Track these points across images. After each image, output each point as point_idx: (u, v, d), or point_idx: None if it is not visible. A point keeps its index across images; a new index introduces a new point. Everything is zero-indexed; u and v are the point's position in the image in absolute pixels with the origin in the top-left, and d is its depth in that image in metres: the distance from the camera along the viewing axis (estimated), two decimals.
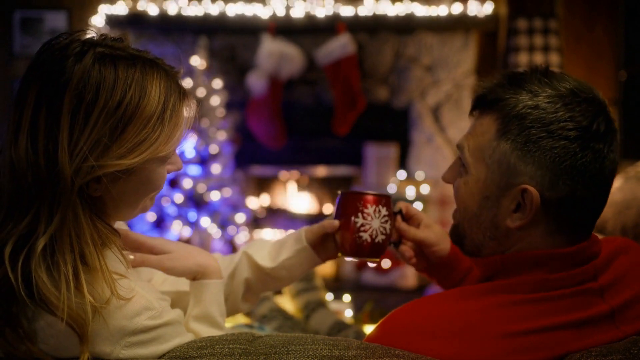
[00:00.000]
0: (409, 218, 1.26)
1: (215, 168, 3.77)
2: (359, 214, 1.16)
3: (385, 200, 1.18)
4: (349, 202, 1.18)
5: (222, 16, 4.00)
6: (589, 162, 0.92)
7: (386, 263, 3.89)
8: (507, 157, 0.95)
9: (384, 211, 1.17)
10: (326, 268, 3.98)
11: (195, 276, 1.09)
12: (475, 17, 3.95)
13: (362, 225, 1.16)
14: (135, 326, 0.88)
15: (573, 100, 0.94)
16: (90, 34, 0.93)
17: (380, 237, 1.17)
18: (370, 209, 1.16)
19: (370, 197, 1.17)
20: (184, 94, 0.97)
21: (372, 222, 1.16)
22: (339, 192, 1.22)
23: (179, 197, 3.73)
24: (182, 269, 1.08)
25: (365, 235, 1.16)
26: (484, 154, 0.98)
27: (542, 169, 0.93)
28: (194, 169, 3.74)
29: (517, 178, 0.95)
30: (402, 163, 4.22)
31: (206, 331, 1.06)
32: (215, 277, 1.10)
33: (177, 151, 1.00)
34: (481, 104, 1.01)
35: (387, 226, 1.18)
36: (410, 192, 3.97)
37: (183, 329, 0.97)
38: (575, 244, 0.96)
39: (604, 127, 0.93)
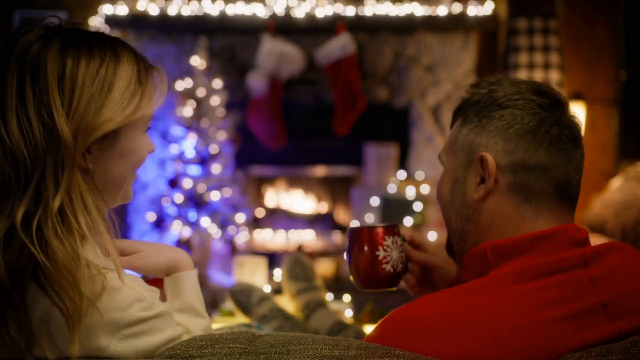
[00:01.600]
0: (417, 246, 1.31)
1: (215, 168, 3.77)
2: (380, 247, 1.19)
3: (397, 229, 1.22)
4: (367, 237, 1.20)
5: (222, 16, 4.00)
6: (537, 126, 0.99)
7: None
8: (467, 137, 1.05)
9: (399, 241, 1.22)
10: (326, 268, 3.98)
11: (168, 271, 1.11)
12: (475, 17, 3.96)
13: (384, 257, 1.19)
14: (129, 318, 0.89)
15: (519, 82, 1.06)
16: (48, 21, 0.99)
17: (400, 266, 1.21)
18: (388, 240, 1.20)
19: (387, 230, 1.21)
20: (148, 62, 1.02)
21: (392, 253, 1.20)
22: (349, 228, 1.24)
23: (179, 197, 3.73)
24: (154, 265, 1.10)
25: (388, 267, 1.20)
26: (453, 147, 1.08)
27: (495, 137, 1.01)
28: (194, 169, 3.74)
29: (475, 151, 1.03)
30: (402, 163, 4.22)
31: (191, 321, 1.08)
32: (188, 268, 1.12)
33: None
34: (453, 117, 1.12)
35: (404, 254, 1.23)
36: (410, 192, 3.97)
37: (173, 321, 0.98)
38: (549, 221, 0.99)
39: (548, 101, 1.01)
